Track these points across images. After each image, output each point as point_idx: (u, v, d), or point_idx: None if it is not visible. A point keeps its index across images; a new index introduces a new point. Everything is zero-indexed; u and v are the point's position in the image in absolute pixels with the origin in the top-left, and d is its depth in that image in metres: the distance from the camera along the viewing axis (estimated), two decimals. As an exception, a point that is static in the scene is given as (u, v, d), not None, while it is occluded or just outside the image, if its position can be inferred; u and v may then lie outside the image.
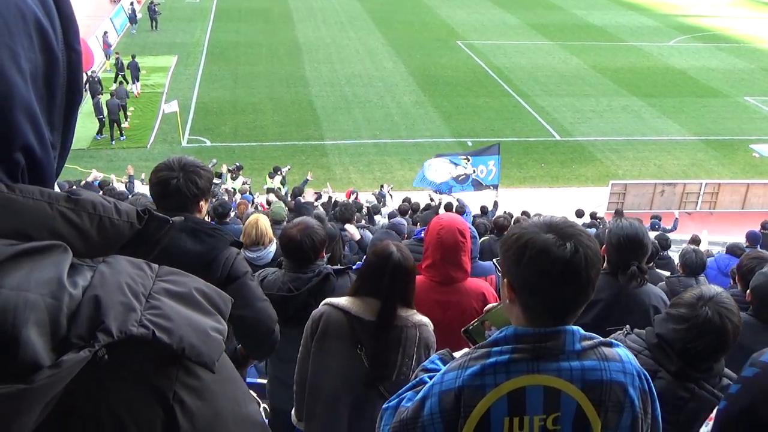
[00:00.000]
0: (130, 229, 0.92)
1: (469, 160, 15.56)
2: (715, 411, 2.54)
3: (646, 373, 1.74)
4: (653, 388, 1.76)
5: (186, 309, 0.89)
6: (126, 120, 21.76)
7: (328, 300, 2.87)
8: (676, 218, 15.15)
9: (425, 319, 2.83)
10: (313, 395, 2.89)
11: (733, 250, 7.82)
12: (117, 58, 25.20)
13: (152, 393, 0.86)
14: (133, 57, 24.71)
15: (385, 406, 1.88)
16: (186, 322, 0.87)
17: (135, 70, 24.31)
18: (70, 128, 0.96)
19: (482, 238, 8.28)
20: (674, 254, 8.11)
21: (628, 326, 2.66)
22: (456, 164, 15.56)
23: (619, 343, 1.77)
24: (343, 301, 2.80)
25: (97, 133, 20.54)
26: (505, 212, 12.77)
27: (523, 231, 1.67)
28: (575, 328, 1.69)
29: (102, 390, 0.83)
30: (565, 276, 1.60)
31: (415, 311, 2.82)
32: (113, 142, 20.53)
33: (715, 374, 2.43)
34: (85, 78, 20.89)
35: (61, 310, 0.78)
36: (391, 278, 2.72)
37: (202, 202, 2.83)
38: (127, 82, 23.93)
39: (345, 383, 2.79)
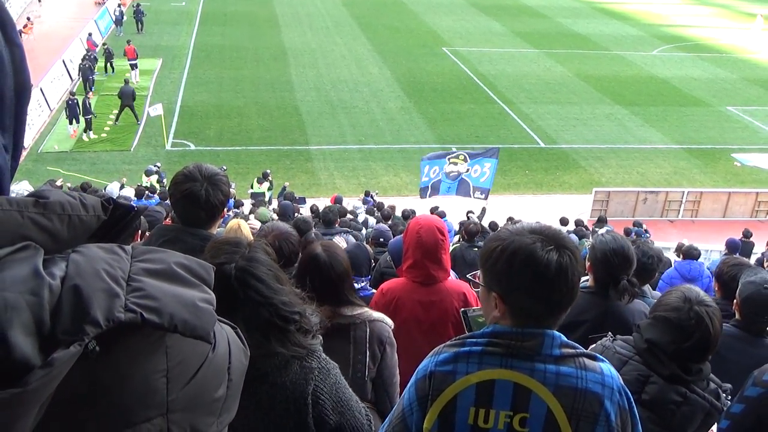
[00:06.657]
0: (97, 221, 0.91)
1: (466, 160, 15.14)
2: (715, 429, 2.55)
3: (628, 392, 1.71)
4: (635, 409, 1.73)
5: (170, 285, 0.86)
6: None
7: None
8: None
9: (377, 315, 2.81)
10: None
11: (689, 253, 7.83)
12: (106, 49, 25.99)
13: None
14: (129, 42, 25.46)
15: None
16: (173, 298, 0.85)
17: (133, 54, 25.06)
18: (21, 127, 0.94)
19: (452, 246, 8.07)
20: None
21: (610, 333, 2.66)
22: (451, 161, 15.12)
23: (603, 358, 1.75)
24: None
25: (84, 131, 20.34)
26: (473, 218, 12.67)
27: (506, 241, 1.68)
28: (557, 333, 1.68)
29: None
30: (557, 278, 1.62)
31: (366, 308, 2.79)
32: (140, 123, 21.39)
33: (704, 377, 2.46)
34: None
35: (43, 306, 0.75)
36: (320, 281, 2.67)
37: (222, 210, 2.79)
38: (112, 69, 25.21)
39: None
